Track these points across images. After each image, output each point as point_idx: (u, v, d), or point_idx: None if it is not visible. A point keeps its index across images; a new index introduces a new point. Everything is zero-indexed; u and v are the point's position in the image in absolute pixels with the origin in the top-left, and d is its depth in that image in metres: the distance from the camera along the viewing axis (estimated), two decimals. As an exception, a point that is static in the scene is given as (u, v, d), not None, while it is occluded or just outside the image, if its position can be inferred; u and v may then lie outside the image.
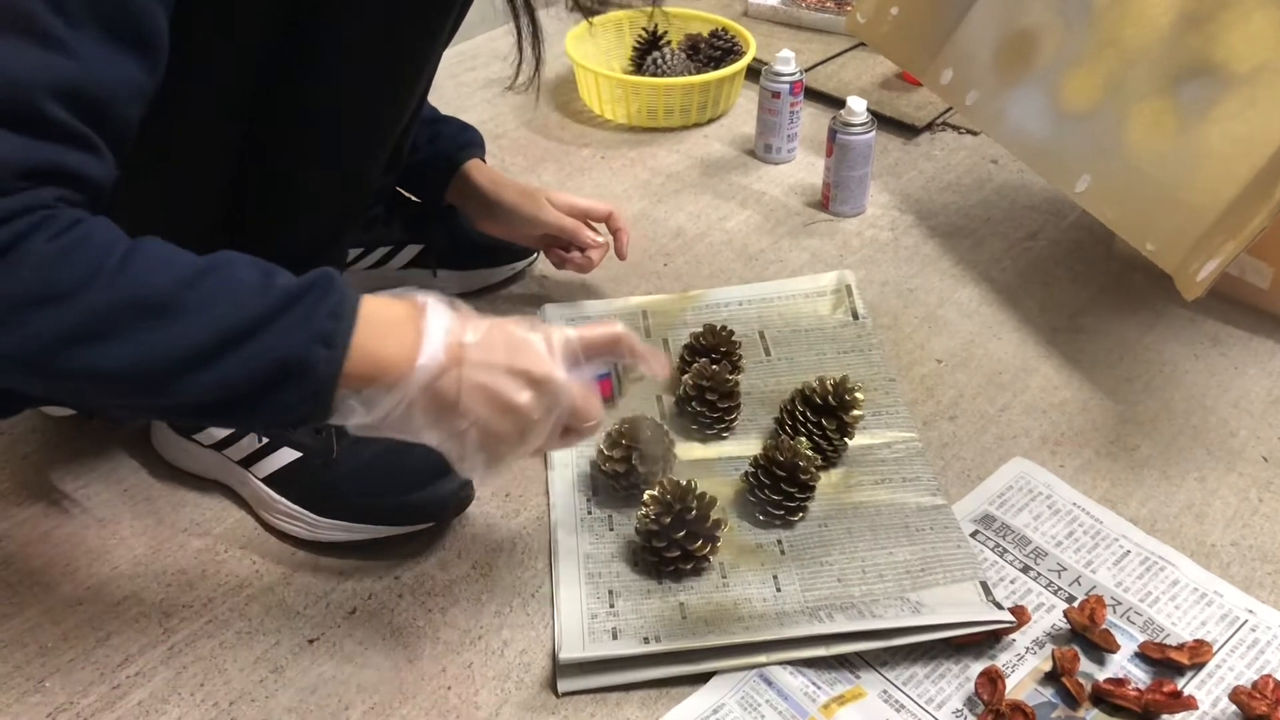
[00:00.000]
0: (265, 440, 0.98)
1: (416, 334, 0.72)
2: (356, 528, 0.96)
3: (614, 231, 1.25)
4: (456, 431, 0.74)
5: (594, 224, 1.25)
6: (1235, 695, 0.84)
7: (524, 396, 0.74)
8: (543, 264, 1.33)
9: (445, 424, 0.73)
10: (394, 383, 0.71)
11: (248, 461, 0.99)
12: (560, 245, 1.24)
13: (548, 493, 1.04)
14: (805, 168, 1.53)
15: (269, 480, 0.99)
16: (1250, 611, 0.92)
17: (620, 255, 1.26)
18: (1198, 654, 0.87)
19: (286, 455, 0.98)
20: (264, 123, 0.87)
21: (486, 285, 1.29)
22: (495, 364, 0.73)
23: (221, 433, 0.99)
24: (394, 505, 0.96)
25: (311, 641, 0.91)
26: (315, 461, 0.97)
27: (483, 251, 1.27)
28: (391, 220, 1.24)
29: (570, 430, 0.79)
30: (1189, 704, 0.82)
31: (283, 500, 0.98)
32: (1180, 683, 0.86)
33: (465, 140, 1.22)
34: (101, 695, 0.87)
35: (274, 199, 0.93)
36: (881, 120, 1.51)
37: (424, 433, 0.74)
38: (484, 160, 1.24)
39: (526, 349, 0.75)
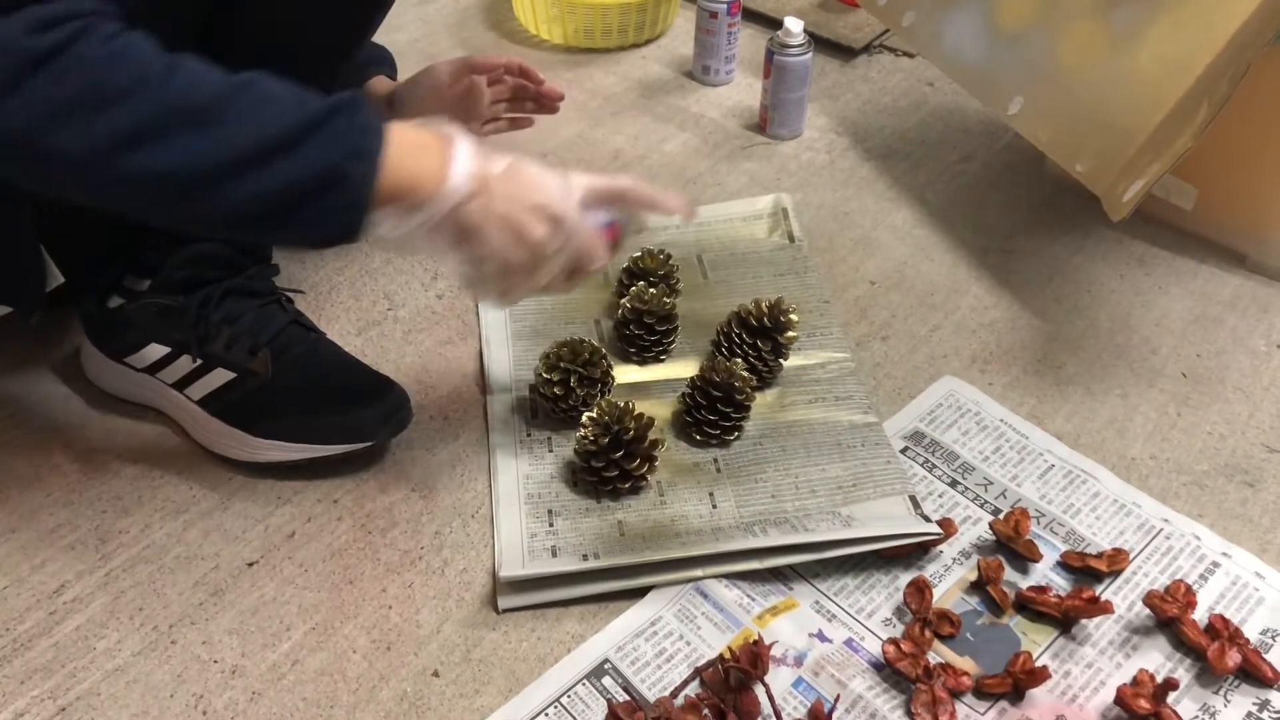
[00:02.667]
0: (199, 362, 0.97)
1: (444, 160, 0.76)
2: (293, 447, 0.96)
3: (521, 73, 1.23)
4: (476, 257, 0.79)
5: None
6: (1149, 599, 0.87)
7: (540, 231, 0.79)
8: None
9: (466, 249, 0.79)
10: (422, 202, 0.75)
11: (182, 384, 0.98)
12: (489, 114, 1.22)
13: (486, 416, 1.04)
14: (743, 90, 1.52)
15: (203, 402, 0.98)
16: (1165, 521, 0.95)
17: (552, 97, 1.24)
18: (1115, 562, 0.91)
19: (221, 376, 0.97)
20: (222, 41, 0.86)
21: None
22: (517, 197, 0.78)
23: (154, 355, 0.98)
24: (331, 424, 0.96)
25: (251, 564, 0.91)
26: (250, 382, 0.96)
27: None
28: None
29: (576, 271, 0.85)
30: (1106, 608, 0.86)
31: (218, 421, 0.97)
32: (1099, 589, 0.90)
33: (375, 57, 1.20)
34: (38, 621, 0.87)
35: None
36: (819, 42, 1.51)
37: (446, 254, 0.79)
38: (393, 78, 1.22)
39: (545, 187, 0.80)
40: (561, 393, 1.00)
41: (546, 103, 1.25)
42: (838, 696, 0.81)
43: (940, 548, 0.92)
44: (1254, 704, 0.82)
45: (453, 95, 1.18)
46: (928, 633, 0.85)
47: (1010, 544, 0.92)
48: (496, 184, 0.78)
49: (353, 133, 0.72)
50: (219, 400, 0.97)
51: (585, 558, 0.90)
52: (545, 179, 0.81)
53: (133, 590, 0.89)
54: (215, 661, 0.84)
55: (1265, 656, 0.84)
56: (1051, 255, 1.25)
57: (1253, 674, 0.83)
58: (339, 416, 0.96)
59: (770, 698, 0.80)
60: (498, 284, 0.82)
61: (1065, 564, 0.92)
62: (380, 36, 1.26)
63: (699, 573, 0.89)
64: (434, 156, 0.76)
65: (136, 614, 0.87)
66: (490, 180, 0.78)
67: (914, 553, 0.92)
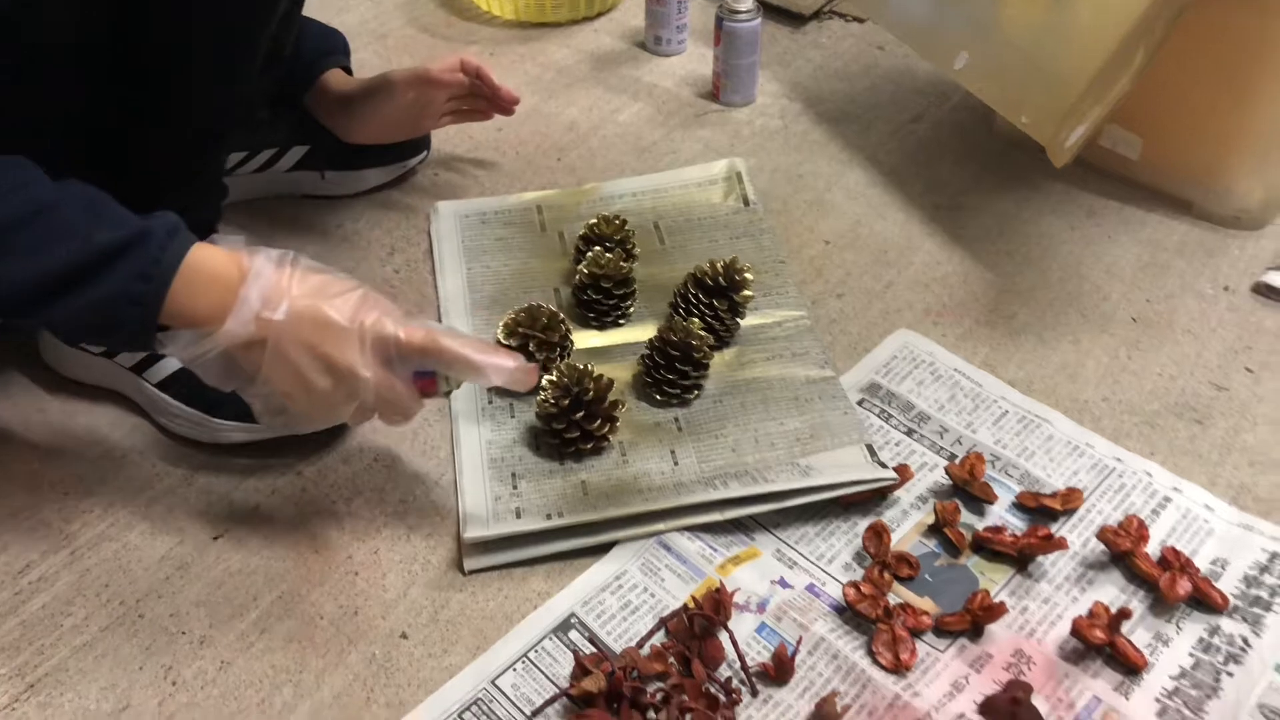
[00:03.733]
0: (154, 344, 0.97)
1: (231, 298, 0.76)
2: (255, 427, 0.96)
3: (478, 77, 1.21)
4: (257, 393, 0.80)
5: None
6: (1102, 535, 0.89)
7: (323, 382, 0.78)
8: (436, 162, 1.32)
9: (247, 384, 0.79)
10: (203, 336, 0.76)
11: (139, 368, 0.98)
12: (444, 109, 1.22)
13: (448, 384, 1.04)
14: (696, 59, 1.53)
15: (162, 385, 0.98)
16: (1118, 460, 0.97)
17: (507, 100, 1.23)
18: (1069, 500, 0.93)
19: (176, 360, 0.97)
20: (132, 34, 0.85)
21: (378, 185, 1.28)
22: (302, 343, 0.77)
23: (110, 338, 0.98)
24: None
25: (216, 538, 0.92)
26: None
27: (372, 151, 1.25)
28: (276, 122, 1.22)
29: (383, 414, 0.84)
30: (1060, 544, 0.88)
31: (178, 404, 0.97)
32: (1053, 527, 0.91)
33: (327, 47, 1.19)
34: (3, 601, 0.87)
35: (148, 109, 0.91)
36: (770, 10, 1.52)
37: (227, 383, 0.80)
38: (348, 69, 1.21)
39: (337, 338, 0.77)
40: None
41: (501, 105, 1.24)
42: (800, 639, 0.83)
43: (897, 494, 0.94)
44: (1205, 630, 0.84)
45: (405, 103, 1.18)
46: (887, 575, 0.87)
47: (966, 487, 0.94)
48: (284, 327, 0.76)
49: (131, 277, 0.73)
50: (177, 383, 0.97)
51: (549, 517, 0.90)
52: (341, 329, 0.77)
53: (98, 568, 0.89)
54: (183, 633, 0.85)
55: (1215, 585, 0.86)
56: (1001, 210, 1.26)
57: (1203, 601, 0.85)
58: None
59: (734, 643, 0.81)
60: (282, 416, 0.82)
61: (1020, 504, 0.93)
62: (329, 17, 1.27)
63: (661, 526, 0.90)
64: (222, 292, 0.76)
65: (103, 590, 0.88)
66: (273, 325, 0.76)
67: (872, 499, 0.93)
